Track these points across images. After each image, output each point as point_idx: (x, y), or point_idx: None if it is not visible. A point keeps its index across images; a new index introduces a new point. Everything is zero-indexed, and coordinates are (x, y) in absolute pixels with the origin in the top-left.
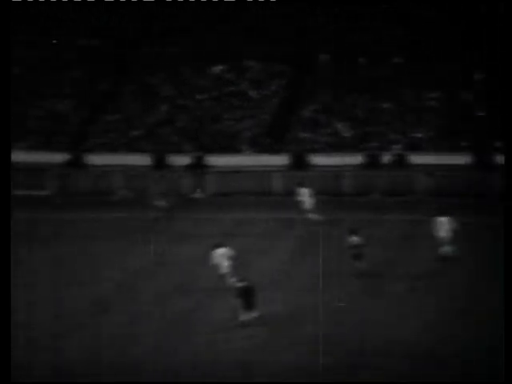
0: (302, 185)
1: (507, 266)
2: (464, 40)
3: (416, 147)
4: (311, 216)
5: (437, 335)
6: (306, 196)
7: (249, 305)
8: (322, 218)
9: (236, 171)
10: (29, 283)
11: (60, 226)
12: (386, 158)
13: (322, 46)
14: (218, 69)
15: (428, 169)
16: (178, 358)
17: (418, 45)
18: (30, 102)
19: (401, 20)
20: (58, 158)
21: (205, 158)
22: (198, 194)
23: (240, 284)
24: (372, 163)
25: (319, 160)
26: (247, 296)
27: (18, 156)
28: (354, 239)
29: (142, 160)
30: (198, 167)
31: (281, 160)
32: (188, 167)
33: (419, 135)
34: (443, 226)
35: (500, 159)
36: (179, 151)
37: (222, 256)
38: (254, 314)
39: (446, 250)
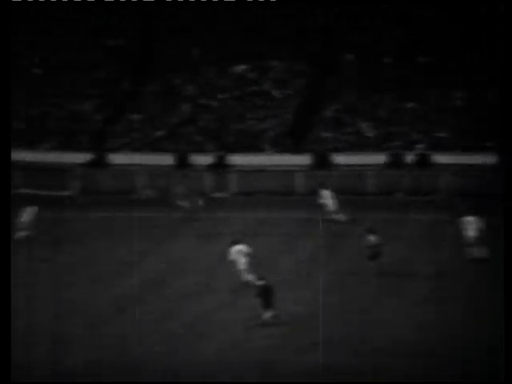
0: (324, 186)
1: (507, 266)
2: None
3: (439, 147)
4: (334, 216)
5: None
6: (328, 198)
7: (267, 303)
8: (345, 218)
9: (258, 171)
10: (65, 282)
11: (86, 224)
12: (409, 158)
13: (347, 46)
14: (240, 68)
15: (452, 168)
16: (198, 359)
17: (444, 44)
18: (52, 103)
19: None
20: (81, 158)
21: (227, 158)
22: (220, 194)
23: (259, 282)
24: (395, 163)
25: (342, 159)
26: (266, 295)
27: (41, 156)
28: (371, 239)
29: (164, 160)
30: (220, 167)
31: (303, 159)
32: (210, 167)
33: (443, 135)
34: (471, 225)
35: None
36: (202, 151)
37: (239, 253)
38: (270, 313)
39: (476, 251)
